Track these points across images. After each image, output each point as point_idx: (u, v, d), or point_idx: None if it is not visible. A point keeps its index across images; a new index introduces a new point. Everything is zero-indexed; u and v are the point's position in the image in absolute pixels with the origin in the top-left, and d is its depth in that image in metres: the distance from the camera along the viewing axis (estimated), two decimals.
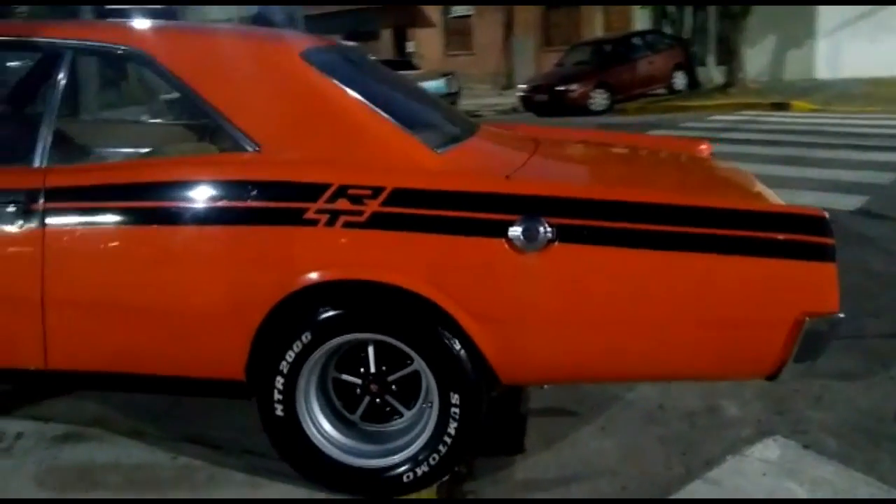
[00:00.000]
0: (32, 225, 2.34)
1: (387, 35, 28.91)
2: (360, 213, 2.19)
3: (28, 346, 2.42)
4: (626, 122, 13.52)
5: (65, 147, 2.43)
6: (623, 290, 2.16)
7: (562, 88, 15.62)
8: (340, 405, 2.45)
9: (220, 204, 2.26)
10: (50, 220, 2.34)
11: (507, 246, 2.13)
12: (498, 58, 25.57)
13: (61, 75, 2.49)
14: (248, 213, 2.25)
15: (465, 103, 18.67)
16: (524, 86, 16.99)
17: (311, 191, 2.22)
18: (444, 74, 13.81)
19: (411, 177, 2.25)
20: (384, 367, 2.38)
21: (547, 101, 15.78)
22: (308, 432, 2.36)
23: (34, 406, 2.95)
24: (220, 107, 2.37)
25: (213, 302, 2.31)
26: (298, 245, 2.24)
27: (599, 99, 15.66)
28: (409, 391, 2.41)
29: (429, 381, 2.30)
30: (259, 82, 2.46)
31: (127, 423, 2.82)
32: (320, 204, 2.20)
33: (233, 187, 2.27)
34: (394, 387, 2.40)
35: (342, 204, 2.20)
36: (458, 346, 2.23)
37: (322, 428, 2.39)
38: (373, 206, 2.19)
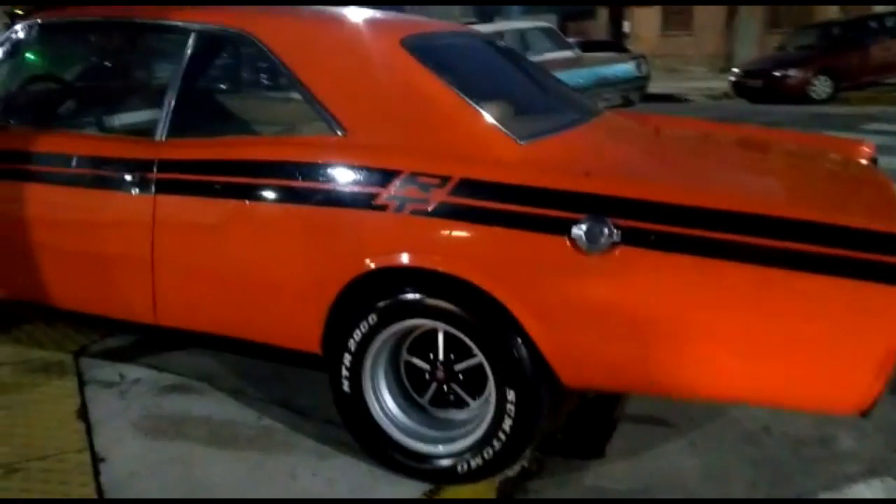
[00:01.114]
0: (146, 192, 2.58)
1: (603, 14, 28.24)
2: (426, 201, 2.19)
3: (142, 301, 2.68)
4: (844, 112, 12.34)
5: (181, 122, 2.63)
6: (687, 301, 2.01)
7: (778, 74, 14.40)
8: (411, 387, 2.50)
9: (304, 184, 2.36)
10: (160, 189, 2.56)
11: (569, 245, 2.05)
12: (718, 39, 24.18)
13: (180, 56, 2.69)
14: (327, 195, 2.33)
15: (675, 86, 17.91)
16: (737, 70, 15.96)
17: (385, 176, 2.26)
18: (635, 57, 13.21)
19: (481, 167, 2.22)
20: (453, 356, 2.39)
21: (761, 86, 14.65)
22: (372, 410, 2.42)
23: (156, 356, 3.25)
24: (314, 89, 2.46)
25: (294, 277, 2.42)
26: (369, 229, 2.29)
27: (821, 86, 14.29)
28: (479, 382, 2.40)
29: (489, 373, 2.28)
30: (354, 68, 2.51)
31: (230, 381, 3.04)
32: (391, 190, 2.24)
33: (317, 169, 2.36)
34: (461, 376, 2.40)
35: (411, 191, 2.22)
36: (515, 342, 2.18)
37: (387, 407, 2.44)
38: (440, 196, 2.18)
